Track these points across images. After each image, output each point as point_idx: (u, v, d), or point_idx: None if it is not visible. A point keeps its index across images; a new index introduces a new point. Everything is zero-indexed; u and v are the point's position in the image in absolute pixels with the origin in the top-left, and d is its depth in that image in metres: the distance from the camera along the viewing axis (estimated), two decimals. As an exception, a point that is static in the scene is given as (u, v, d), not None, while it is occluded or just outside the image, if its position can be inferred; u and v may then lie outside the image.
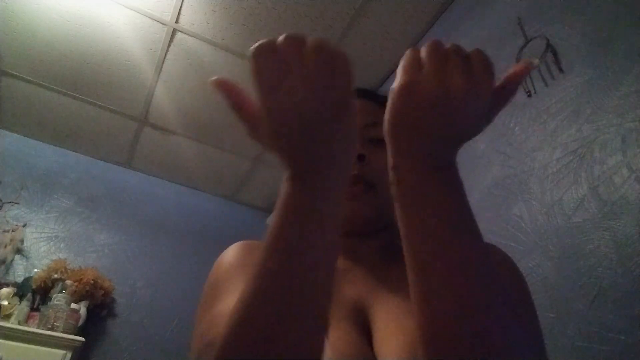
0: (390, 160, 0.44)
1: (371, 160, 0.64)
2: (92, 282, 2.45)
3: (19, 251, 2.60)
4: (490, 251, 0.66)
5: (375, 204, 0.65)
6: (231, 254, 0.64)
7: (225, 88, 0.43)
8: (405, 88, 0.40)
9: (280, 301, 0.36)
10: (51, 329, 2.20)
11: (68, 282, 2.40)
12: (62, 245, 2.76)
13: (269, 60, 0.37)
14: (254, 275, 0.37)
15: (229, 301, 0.48)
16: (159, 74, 2.45)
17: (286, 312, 0.35)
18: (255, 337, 0.35)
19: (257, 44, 0.37)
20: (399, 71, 0.41)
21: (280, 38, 0.37)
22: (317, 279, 0.38)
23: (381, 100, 0.73)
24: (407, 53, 0.42)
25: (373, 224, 0.67)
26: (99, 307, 2.56)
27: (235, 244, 0.68)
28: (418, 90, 0.40)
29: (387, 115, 0.43)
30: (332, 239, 0.39)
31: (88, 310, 2.44)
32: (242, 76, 2.48)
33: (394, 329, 0.52)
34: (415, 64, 0.41)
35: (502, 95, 0.42)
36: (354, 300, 0.59)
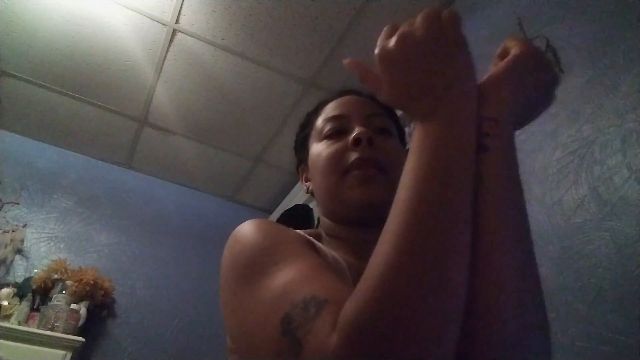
0: (489, 112, 0.45)
1: (380, 147, 0.65)
2: (92, 282, 2.45)
3: (19, 251, 2.60)
4: None
5: (389, 188, 0.60)
6: (260, 225, 0.56)
7: (354, 66, 0.53)
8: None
9: (447, 228, 0.38)
10: (51, 329, 2.19)
11: (68, 282, 2.40)
12: (62, 246, 2.76)
13: (387, 45, 0.48)
14: (403, 213, 0.39)
15: (294, 270, 0.44)
16: (159, 74, 2.45)
17: (452, 237, 0.38)
18: (427, 262, 0.36)
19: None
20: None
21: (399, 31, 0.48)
22: (468, 203, 0.40)
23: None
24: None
25: (387, 209, 0.62)
26: (99, 307, 2.55)
27: (252, 220, 0.59)
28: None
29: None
30: (470, 159, 0.42)
31: (88, 310, 2.44)
32: (243, 76, 2.47)
33: None
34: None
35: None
36: None
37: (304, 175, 0.77)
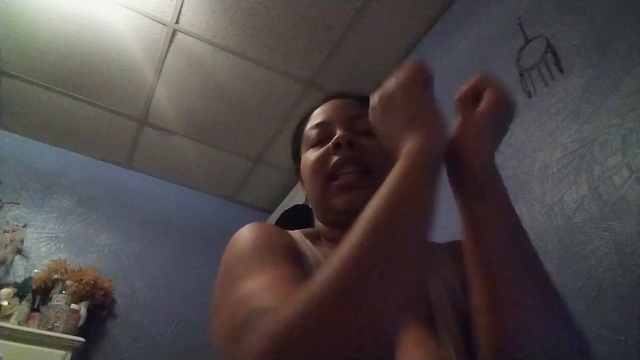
0: (480, 162, 0.50)
1: (362, 147, 0.66)
2: (92, 282, 2.44)
3: (19, 252, 2.60)
4: None
5: (375, 190, 0.62)
6: (253, 231, 0.60)
7: None
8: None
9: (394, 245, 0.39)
10: (51, 330, 2.19)
11: (68, 282, 2.40)
12: (62, 246, 2.76)
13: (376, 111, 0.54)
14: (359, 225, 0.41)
15: (261, 280, 0.48)
16: (159, 75, 2.45)
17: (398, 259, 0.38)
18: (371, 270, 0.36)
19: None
20: None
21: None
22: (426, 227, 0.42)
23: (359, 97, 0.77)
24: None
25: None
26: (99, 307, 2.55)
27: (251, 224, 0.64)
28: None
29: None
30: (431, 176, 0.45)
31: (88, 310, 2.44)
32: (243, 76, 2.47)
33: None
34: None
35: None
36: None
37: (303, 184, 0.79)
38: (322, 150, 0.68)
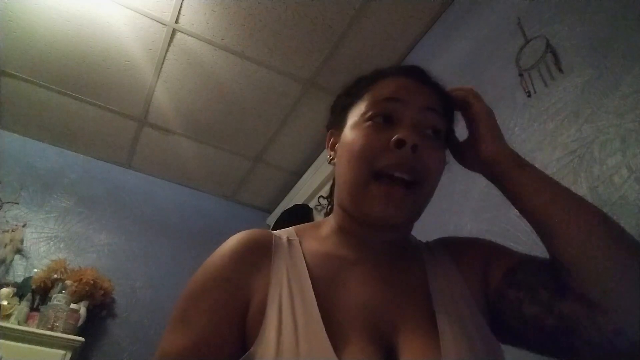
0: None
1: (423, 154, 0.59)
2: (91, 282, 2.44)
3: (18, 251, 2.60)
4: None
5: (413, 204, 0.60)
6: (214, 262, 0.59)
7: None
8: None
9: None
10: (51, 329, 2.19)
11: (68, 282, 2.40)
12: (61, 245, 2.76)
13: None
14: None
15: (176, 338, 0.53)
16: (158, 74, 2.45)
17: None
18: None
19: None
20: None
21: None
22: None
23: (437, 87, 0.68)
24: None
25: (404, 224, 0.64)
26: (98, 307, 2.56)
27: (239, 237, 0.62)
28: None
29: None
30: None
31: (88, 310, 2.44)
32: (243, 75, 2.46)
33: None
34: None
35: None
36: (369, 308, 0.55)
37: (331, 140, 0.71)
38: (379, 136, 0.59)
